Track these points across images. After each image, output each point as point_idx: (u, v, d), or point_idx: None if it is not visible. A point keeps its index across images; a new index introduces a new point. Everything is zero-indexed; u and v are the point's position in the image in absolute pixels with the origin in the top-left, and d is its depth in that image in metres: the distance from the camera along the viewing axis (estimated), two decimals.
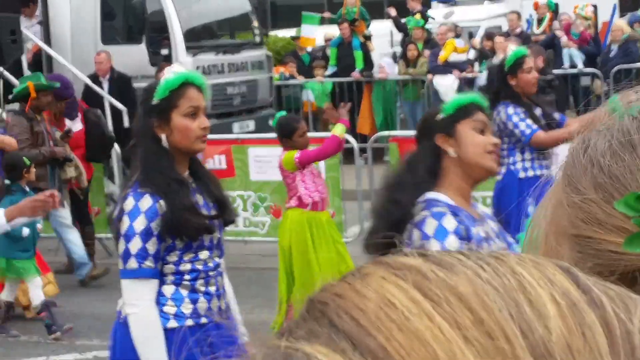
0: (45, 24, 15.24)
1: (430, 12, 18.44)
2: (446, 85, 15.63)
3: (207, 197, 4.20)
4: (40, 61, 15.01)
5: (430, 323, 0.61)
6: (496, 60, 14.86)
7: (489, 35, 16.69)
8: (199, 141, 4.13)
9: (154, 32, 14.91)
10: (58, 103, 10.42)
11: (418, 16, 16.84)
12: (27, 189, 8.70)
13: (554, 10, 18.13)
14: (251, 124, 15.41)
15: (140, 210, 3.98)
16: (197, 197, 4.15)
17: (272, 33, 21.29)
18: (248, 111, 15.68)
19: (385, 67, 16.88)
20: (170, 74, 4.15)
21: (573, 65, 16.55)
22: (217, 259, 4.23)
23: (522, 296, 0.63)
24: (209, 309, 4.20)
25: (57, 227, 10.15)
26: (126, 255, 4.02)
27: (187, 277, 4.12)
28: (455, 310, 0.62)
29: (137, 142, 4.21)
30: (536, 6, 18.07)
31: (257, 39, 16.31)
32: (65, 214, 10.15)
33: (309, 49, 18.44)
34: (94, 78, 13.90)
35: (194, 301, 4.15)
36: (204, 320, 4.18)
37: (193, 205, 4.08)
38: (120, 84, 13.77)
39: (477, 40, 17.55)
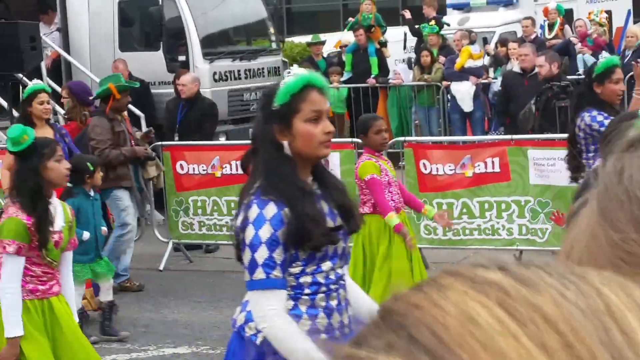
0: (64, 31, 15.40)
1: (445, 19, 18.52)
2: (463, 91, 15.72)
3: (332, 204, 3.94)
4: (59, 68, 15.18)
5: (516, 344, 0.59)
6: (510, 66, 14.95)
7: (503, 42, 16.75)
8: (323, 146, 3.86)
9: (171, 39, 15.03)
10: (82, 109, 10.52)
11: (433, 23, 16.92)
12: (92, 193, 8.71)
13: (564, 14, 18.17)
14: None
15: (265, 218, 3.75)
16: (322, 205, 3.90)
17: (288, 39, 21.40)
18: None
19: (401, 73, 16.97)
20: (291, 76, 3.88)
21: None
22: (339, 270, 3.97)
23: (611, 320, 0.61)
24: (329, 324, 3.95)
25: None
26: (253, 265, 3.79)
27: (307, 290, 3.89)
28: (542, 331, 0.60)
29: (256, 148, 3.95)
30: (545, 12, 18.12)
31: (274, 45, 16.42)
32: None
33: (326, 54, 18.58)
34: None
35: (313, 317, 3.91)
36: (322, 337, 3.91)
37: (318, 214, 3.83)
38: (139, 90, 13.88)
39: (491, 47, 17.61)
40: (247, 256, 3.80)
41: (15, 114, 13.31)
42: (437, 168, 10.06)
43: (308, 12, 33.11)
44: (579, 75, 16.17)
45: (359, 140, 11.39)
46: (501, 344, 0.59)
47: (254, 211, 3.77)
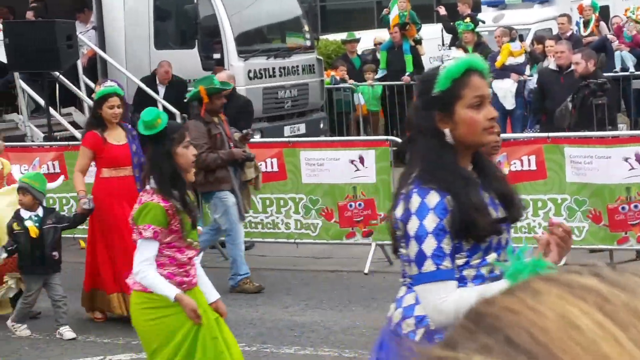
0: (99, 29, 15.49)
1: (480, 16, 18.45)
2: (505, 89, 15.65)
3: (493, 194, 3.76)
4: (95, 66, 15.27)
5: (619, 348, 0.59)
6: (546, 63, 14.85)
7: (539, 39, 16.66)
8: (487, 133, 3.68)
9: (206, 37, 15.09)
10: None
11: (468, 20, 16.87)
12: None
13: (599, 11, 18.05)
14: (302, 127, 15.54)
15: (428, 207, 3.58)
16: (484, 194, 3.72)
17: (323, 37, 21.42)
18: (299, 114, 15.82)
19: None
20: (452, 61, 3.78)
21: (624, 69, 16.48)
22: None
23: None
24: None
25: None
26: (421, 257, 3.59)
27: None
28: None
29: (415, 136, 3.78)
30: (580, 9, 18.01)
31: (308, 43, 16.43)
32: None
33: (360, 51, 18.57)
34: (148, 81, 14.11)
35: None
36: None
37: (481, 203, 3.65)
38: (178, 88, 13.94)
39: (526, 44, 17.52)
40: (413, 249, 3.61)
41: (52, 111, 13.41)
42: None
43: (342, 10, 33.10)
44: (616, 72, 16.07)
45: (395, 138, 11.39)
46: (604, 348, 0.59)
47: (415, 201, 3.61)
